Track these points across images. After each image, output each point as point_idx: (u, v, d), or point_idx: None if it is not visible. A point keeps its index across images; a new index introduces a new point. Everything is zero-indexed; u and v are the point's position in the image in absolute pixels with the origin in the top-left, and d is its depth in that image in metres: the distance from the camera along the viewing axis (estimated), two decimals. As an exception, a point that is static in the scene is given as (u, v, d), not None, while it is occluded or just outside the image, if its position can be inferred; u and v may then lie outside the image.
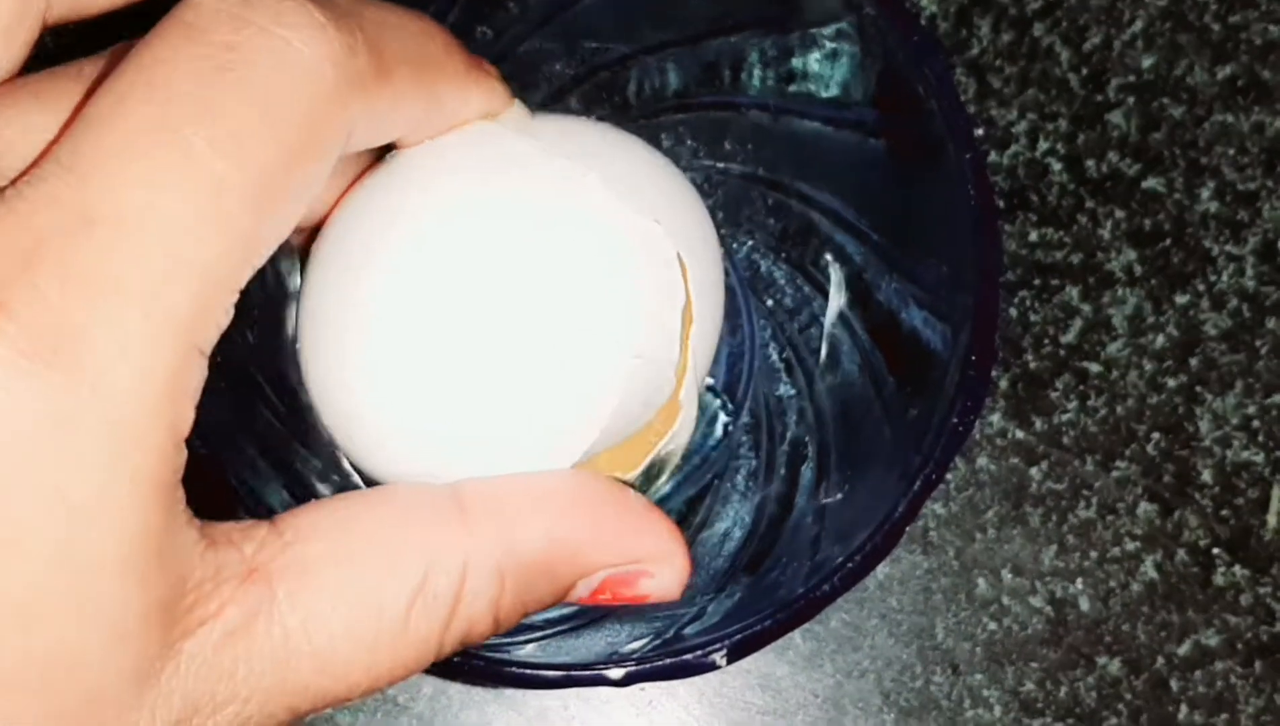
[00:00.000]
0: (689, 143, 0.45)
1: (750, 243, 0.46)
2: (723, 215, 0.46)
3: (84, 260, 0.19)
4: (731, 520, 0.44)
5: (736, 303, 0.45)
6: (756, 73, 0.43)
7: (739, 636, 0.35)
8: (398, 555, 0.23)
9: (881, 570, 0.46)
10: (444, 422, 0.24)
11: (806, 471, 0.43)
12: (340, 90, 0.21)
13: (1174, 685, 0.46)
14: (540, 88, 0.45)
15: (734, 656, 0.35)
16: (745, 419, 0.45)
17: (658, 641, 0.38)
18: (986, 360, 0.36)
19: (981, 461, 0.47)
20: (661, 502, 0.44)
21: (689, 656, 0.35)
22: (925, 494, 0.36)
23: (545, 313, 0.24)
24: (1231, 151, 0.49)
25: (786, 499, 0.43)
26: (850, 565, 0.35)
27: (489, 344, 0.24)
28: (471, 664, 0.34)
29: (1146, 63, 0.49)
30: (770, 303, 0.45)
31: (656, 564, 0.28)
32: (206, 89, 0.20)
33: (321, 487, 0.40)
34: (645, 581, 0.28)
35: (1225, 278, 0.48)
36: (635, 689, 0.45)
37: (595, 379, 0.24)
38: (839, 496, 0.41)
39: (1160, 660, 0.46)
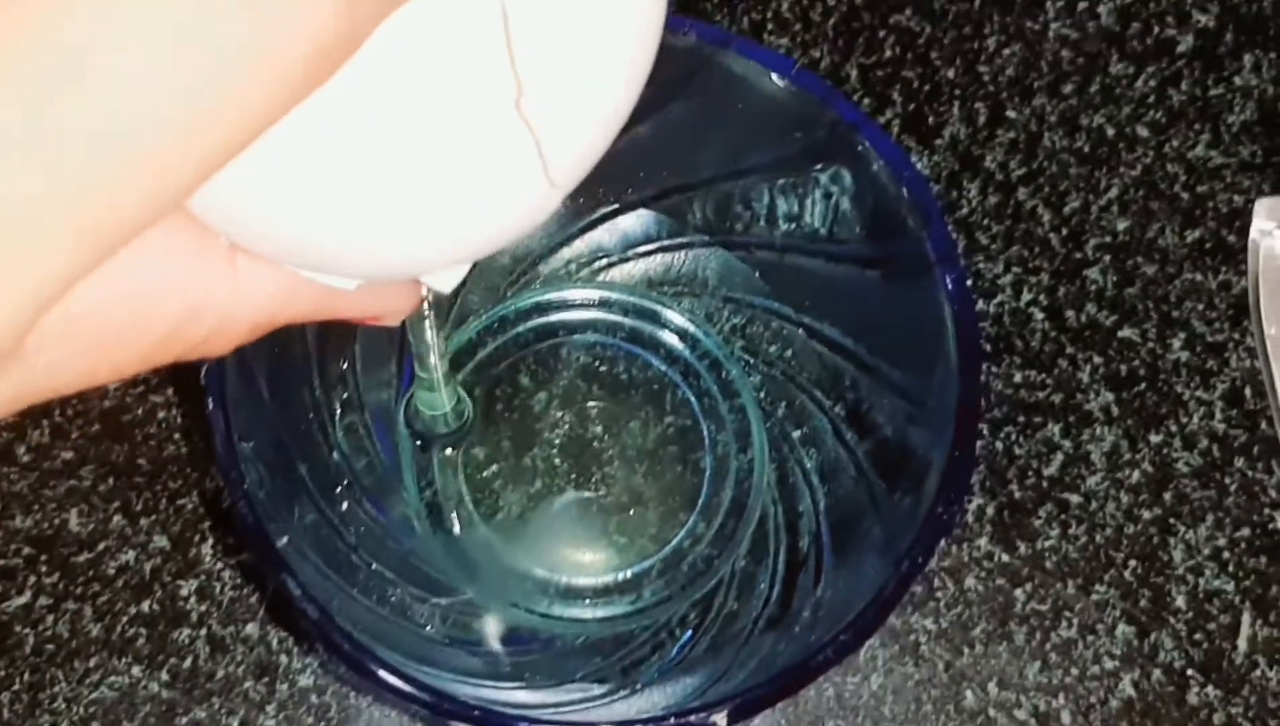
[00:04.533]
0: (708, 277, 0.50)
1: (763, 370, 0.50)
2: (741, 343, 0.50)
3: None
4: (735, 622, 0.47)
5: (746, 423, 0.49)
6: (764, 213, 0.48)
7: (738, 699, 0.38)
8: (161, 299, 0.23)
9: (876, 681, 0.49)
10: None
11: (804, 576, 0.46)
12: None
13: (1152, 798, 0.49)
14: (566, 227, 0.49)
15: (734, 718, 0.38)
16: (750, 527, 0.48)
17: (665, 714, 0.41)
18: (968, 452, 0.40)
19: (970, 582, 0.50)
20: (668, 604, 0.47)
21: (693, 718, 0.38)
22: (912, 575, 0.39)
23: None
24: (1200, 306, 0.53)
25: (785, 601, 0.46)
26: (843, 638, 0.39)
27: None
28: (495, 719, 0.38)
29: (1122, 225, 0.54)
30: (777, 424, 0.49)
31: (391, 318, 0.30)
32: None
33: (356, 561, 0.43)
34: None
35: (1196, 420, 0.52)
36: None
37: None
38: (831, 593, 0.44)
39: (1139, 773, 0.49)
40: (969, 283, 0.52)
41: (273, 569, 0.38)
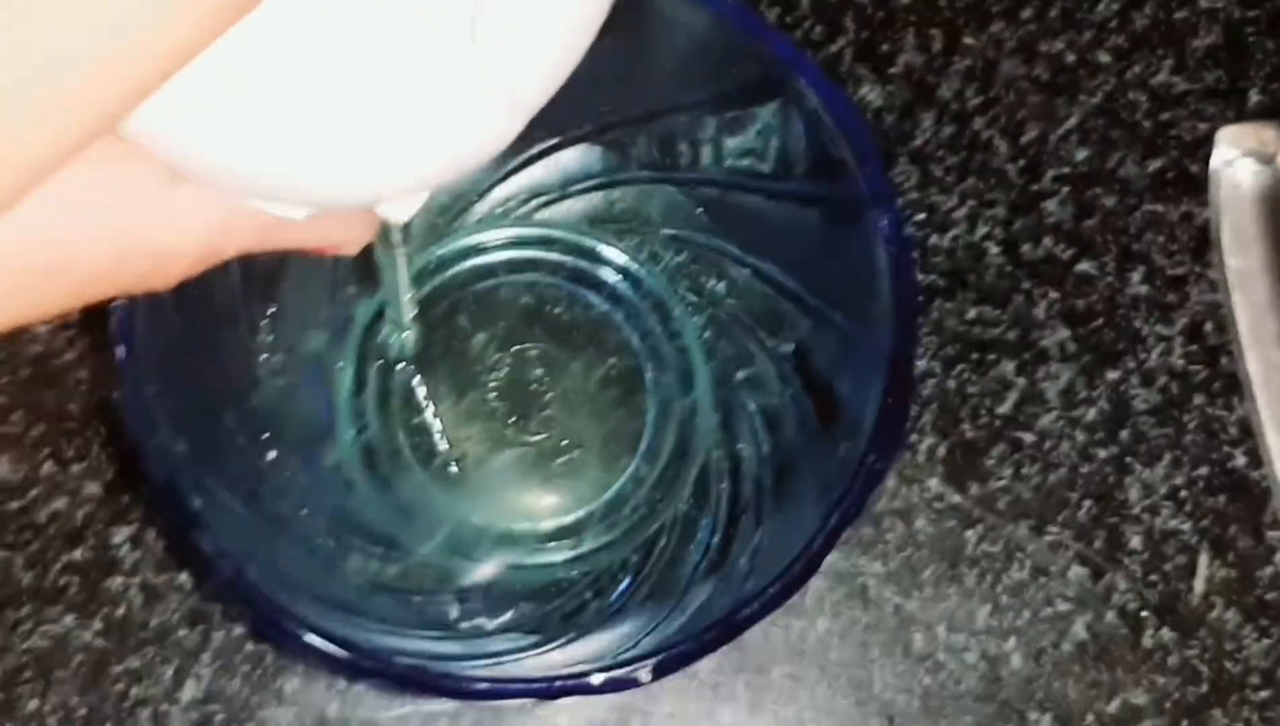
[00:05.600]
0: (650, 214, 0.49)
1: (708, 310, 0.48)
2: (685, 282, 0.49)
3: None
4: (676, 568, 0.46)
5: (689, 365, 0.48)
6: (706, 149, 0.46)
7: (662, 655, 0.37)
8: (96, 233, 0.22)
9: (822, 624, 0.48)
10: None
11: (745, 522, 0.45)
12: None
13: (1103, 742, 0.48)
14: (503, 164, 0.48)
15: (658, 673, 0.37)
16: (693, 470, 0.47)
17: (595, 667, 0.40)
18: (901, 403, 0.39)
19: (920, 523, 0.49)
20: (609, 550, 0.46)
21: (619, 672, 0.37)
22: (841, 527, 0.38)
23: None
24: (1161, 239, 0.52)
25: (725, 548, 0.45)
26: (770, 591, 0.38)
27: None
28: (409, 675, 0.37)
29: (1080, 155, 0.52)
30: (720, 366, 0.48)
31: (347, 247, 0.29)
32: None
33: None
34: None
35: (1154, 356, 0.51)
36: (582, 731, 0.47)
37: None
38: (768, 541, 0.43)
39: (1090, 717, 0.48)
40: (922, 216, 0.50)
41: (185, 527, 0.37)
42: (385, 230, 0.33)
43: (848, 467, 0.39)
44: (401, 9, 0.20)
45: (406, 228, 0.35)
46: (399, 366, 0.48)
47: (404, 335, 0.42)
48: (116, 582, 0.47)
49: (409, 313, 0.41)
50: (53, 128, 0.18)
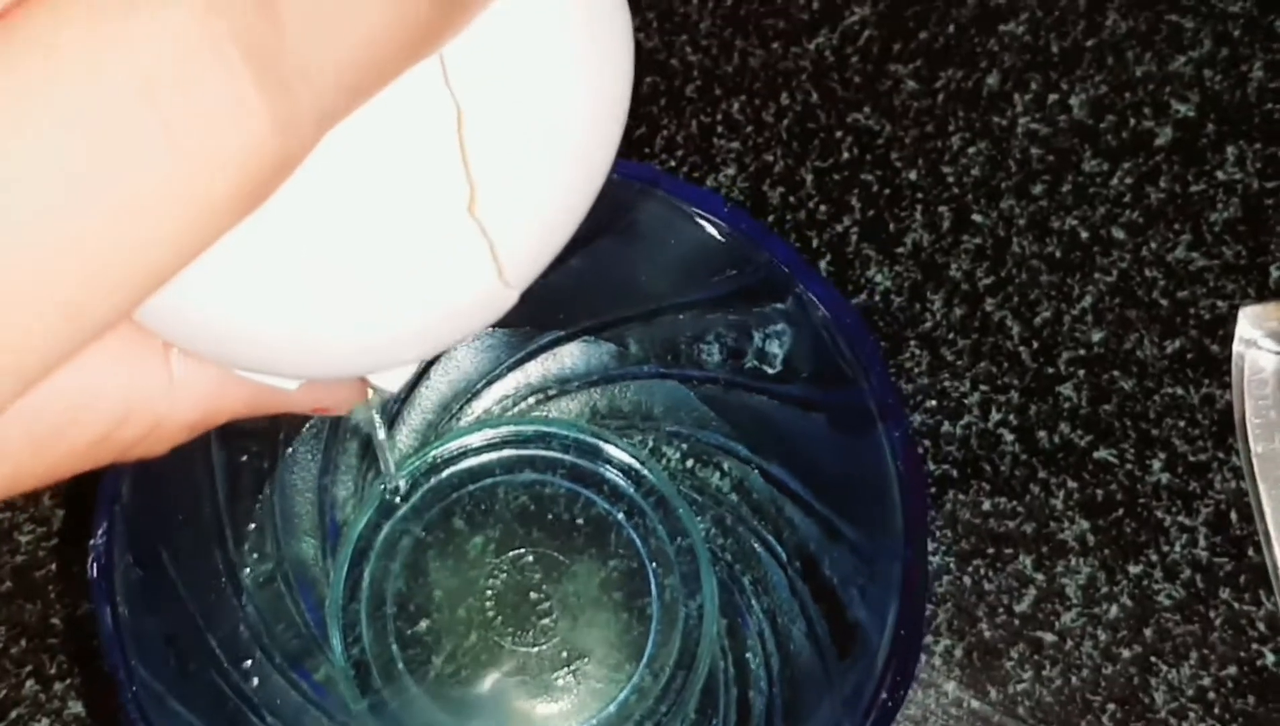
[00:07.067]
0: (653, 410, 0.47)
1: (712, 509, 0.47)
2: (689, 480, 0.47)
3: None
4: (682, 787, 0.44)
5: (695, 566, 0.46)
6: (707, 348, 0.45)
7: None
8: (94, 402, 0.22)
9: (837, 840, 0.46)
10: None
11: (754, 738, 0.44)
12: None
13: None
14: (501, 360, 0.47)
15: None
16: (699, 680, 0.45)
17: None
18: (914, 635, 0.37)
19: (937, 730, 0.47)
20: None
21: None
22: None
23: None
24: (1182, 423, 0.50)
25: (734, 767, 0.43)
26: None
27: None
28: None
29: (1096, 337, 0.51)
30: (725, 568, 0.46)
31: (337, 409, 0.29)
32: None
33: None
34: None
35: (1178, 548, 0.49)
36: None
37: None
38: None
39: None
40: (933, 403, 0.49)
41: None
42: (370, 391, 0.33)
43: (861, 695, 0.38)
44: (399, 184, 0.21)
45: (386, 405, 0.35)
46: (393, 576, 0.46)
47: (392, 485, 0.41)
48: (99, 807, 0.45)
49: (393, 463, 0.40)
50: (51, 327, 0.18)
